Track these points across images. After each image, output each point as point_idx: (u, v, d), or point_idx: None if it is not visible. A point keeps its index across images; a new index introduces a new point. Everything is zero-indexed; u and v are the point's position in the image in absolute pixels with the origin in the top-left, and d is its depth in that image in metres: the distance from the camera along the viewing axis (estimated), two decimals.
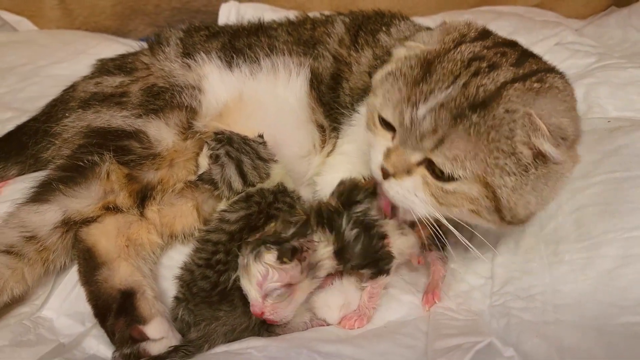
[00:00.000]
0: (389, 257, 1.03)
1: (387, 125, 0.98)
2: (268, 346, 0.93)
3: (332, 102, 1.36)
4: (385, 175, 0.96)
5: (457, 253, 1.15)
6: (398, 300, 1.10)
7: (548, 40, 1.79)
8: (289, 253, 0.92)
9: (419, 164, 0.93)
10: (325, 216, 1.02)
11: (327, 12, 1.61)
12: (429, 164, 0.92)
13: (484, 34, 1.03)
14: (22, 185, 1.21)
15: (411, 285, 1.16)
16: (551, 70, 1.01)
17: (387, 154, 0.96)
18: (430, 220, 0.96)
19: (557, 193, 0.99)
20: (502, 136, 0.86)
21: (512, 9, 2.16)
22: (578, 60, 1.68)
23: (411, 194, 0.95)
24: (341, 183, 1.11)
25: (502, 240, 1.17)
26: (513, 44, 1.03)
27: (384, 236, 1.03)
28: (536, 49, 1.68)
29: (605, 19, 2.03)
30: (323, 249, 0.98)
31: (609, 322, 0.93)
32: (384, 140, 0.99)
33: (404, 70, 0.96)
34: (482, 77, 0.89)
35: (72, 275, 1.11)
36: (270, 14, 1.86)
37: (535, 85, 0.91)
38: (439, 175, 0.91)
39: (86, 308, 1.06)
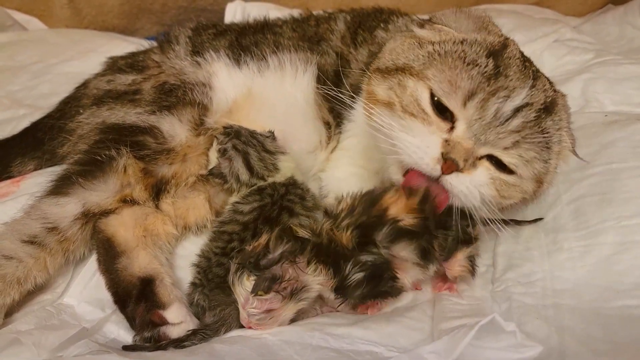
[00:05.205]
0: (398, 291, 0.99)
1: (441, 112, 0.90)
2: (282, 330, 0.96)
3: (335, 98, 1.40)
4: (450, 168, 0.87)
5: None
6: None
7: (547, 37, 1.82)
8: (265, 285, 0.85)
9: (481, 157, 0.91)
10: (331, 257, 0.91)
11: (330, 10, 1.64)
12: (490, 157, 0.90)
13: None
14: (39, 179, 1.25)
15: None
16: None
17: (452, 145, 0.87)
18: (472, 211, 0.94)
19: None
20: (558, 140, 0.92)
21: (511, 7, 2.19)
22: (576, 56, 1.72)
23: (477, 188, 0.90)
24: (371, 200, 0.96)
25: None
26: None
27: (394, 277, 0.94)
28: (536, 46, 1.74)
29: (602, 17, 2.07)
30: (313, 278, 0.90)
31: (606, 305, 0.98)
32: (437, 129, 0.91)
33: (471, 57, 0.89)
34: (541, 81, 0.92)
35: (91, 264, 1.14)
36: (275, 13, 1.88)
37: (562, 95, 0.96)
38: (501, 169, 0.91)
39: (105, 295, 1.10)
